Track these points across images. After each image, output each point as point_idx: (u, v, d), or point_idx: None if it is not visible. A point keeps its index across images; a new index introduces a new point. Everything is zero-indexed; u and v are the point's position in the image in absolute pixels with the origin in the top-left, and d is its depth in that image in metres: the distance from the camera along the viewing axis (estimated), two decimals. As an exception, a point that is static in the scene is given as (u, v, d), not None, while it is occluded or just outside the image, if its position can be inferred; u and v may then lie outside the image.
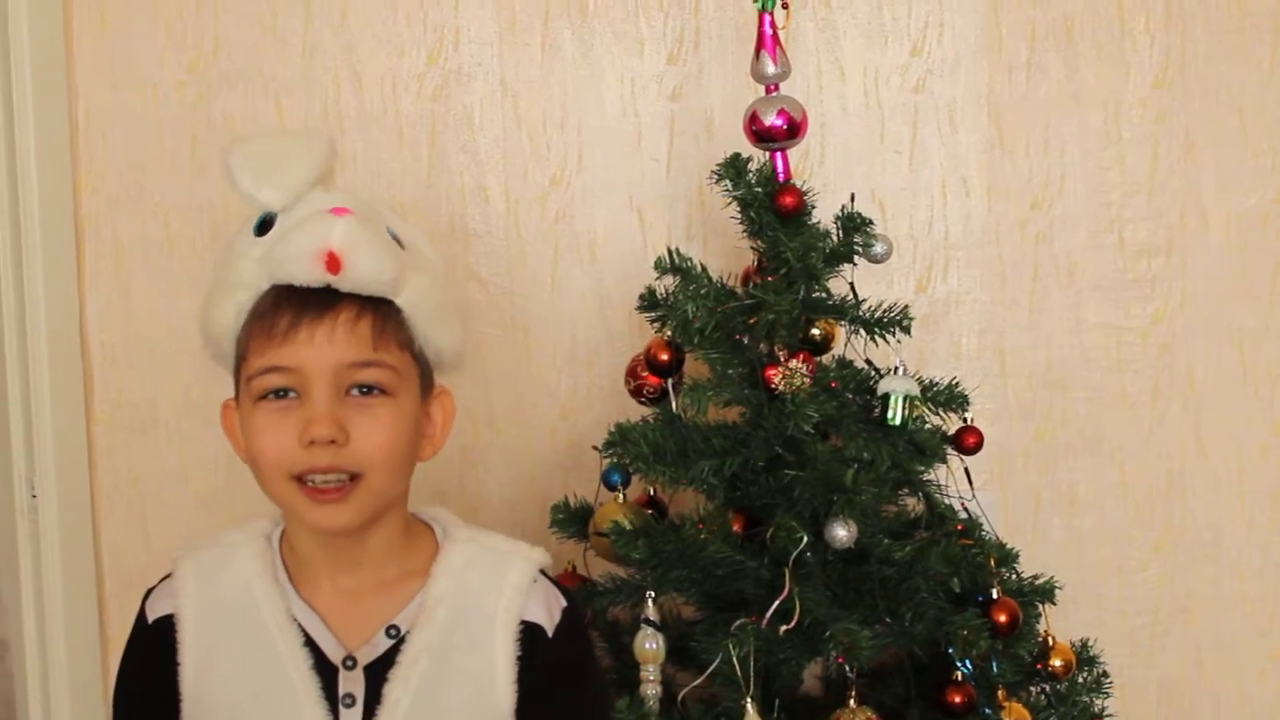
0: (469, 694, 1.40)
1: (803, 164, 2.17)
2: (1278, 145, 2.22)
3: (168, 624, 1.42)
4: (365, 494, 1.34)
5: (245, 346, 1.36)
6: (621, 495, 1.85)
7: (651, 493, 1.93)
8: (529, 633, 1.42)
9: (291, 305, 1.33)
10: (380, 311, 1.35)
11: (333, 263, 1.32)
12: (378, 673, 1.38)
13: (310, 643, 1.39)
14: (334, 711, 1.38)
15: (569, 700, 1.45)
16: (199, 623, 1.42)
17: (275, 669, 1.38)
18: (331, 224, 1.33)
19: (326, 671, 1.39)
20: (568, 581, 1.88)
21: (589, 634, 1.55)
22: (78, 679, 2.14)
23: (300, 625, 1.40)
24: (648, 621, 1.74)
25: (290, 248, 1.33)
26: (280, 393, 1.33)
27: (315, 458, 1.32)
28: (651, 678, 1.75)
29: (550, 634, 1.43)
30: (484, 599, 1.42)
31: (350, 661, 1.39)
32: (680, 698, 1.77)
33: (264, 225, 1.38)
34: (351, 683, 1.38)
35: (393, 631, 1.40)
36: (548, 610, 1.44)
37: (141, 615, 1.46)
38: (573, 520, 1.91)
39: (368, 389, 1.34)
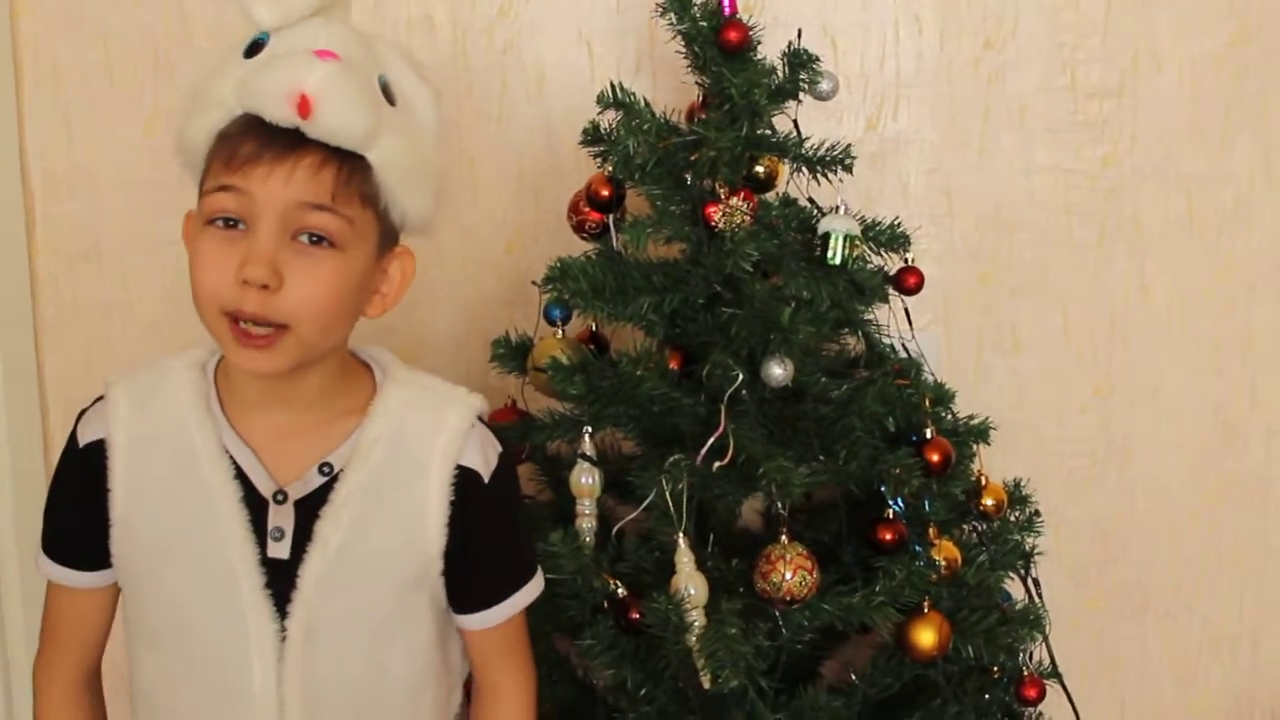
0: (399, 535, 1.42)
1: (754, -2, 2.14)
2: (1233, -12, 2.20)
3: (98, 449, 1.43)
4: (292, 345, 1.33)
5: (208, 165, 1.35)
6: (561, 331, 1.85)
7: (593, 328, 1.94)
8: (464, 477, 1.43)
9: (259, 136, 1.31)
10: (348, 164, 1.33)
11: (303, 106, 1.29)
12: (308, 509, 1.39)
13: (241, 475, 1.40)
14: (262, 545, 1.39)
15: (501, 543, 1.49)
16: (130, 450, 1.43)
17: (204, 499, 1.39)
18: (310, 66, 1.30)
19: (256, 505, 1.39)
20: (507, 416, 1.89)
21: (518, 480, 1.57)
22: (22, 507, 2.15)
23: (232, 457, 1.40)
24: (584, 456, 1.76)
25: (265, 81, 1.31)
26: (229, 221, 1.32)
27: (245, 300, 1.30)
28: (587, 511, 1.76)
29: (486, 480, 1.44)
30: (420, 441, 1.43)
31: (281, 496, 1.40)
32: (615, 531, 1.79)
33: (254, 48, 1.35)
34: (281, 517, 1.39)
35: (325, 469, 1.40)
36: (484, 456, 1.45)
37: (73, 438, 1.47)
38: (513, 355, 1.91)
39: (316, 238, 1.32)
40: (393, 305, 1.44)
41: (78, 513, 1.46)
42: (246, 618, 1.39)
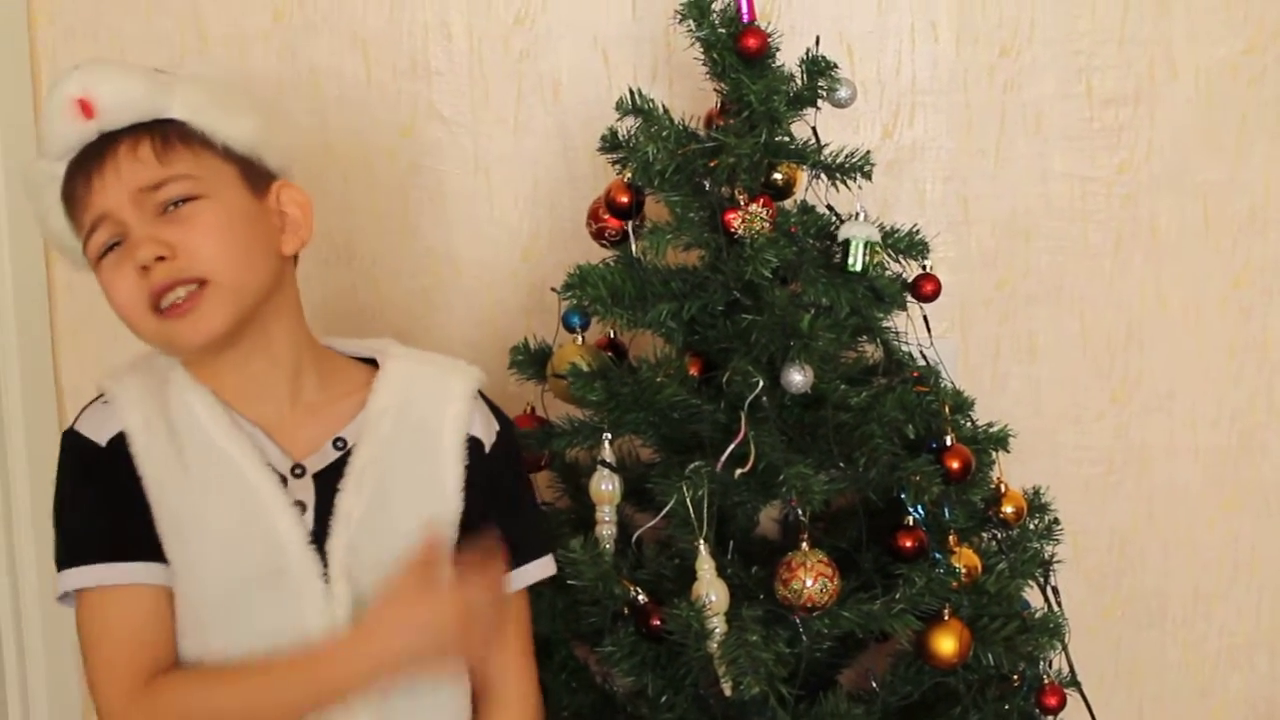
0: (419, 505, 1.44)
1: (770, 5, 2.14)
2: (1250, -4, 2.19)
3: (120, 442, 1.41)
4: (219, 295, 1.36)
5: (71, 221, 1.41)
6: (580, 337, 1.85)
7: (612, 335, 1.93)
8: (472, 446, 1.47)
9: (80, 168, 1.38)
10: (158, 131, 1.38)
11: (85, 108, 1.36)
12: (326, 482, 1.41)
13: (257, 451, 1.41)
14: None
15: (501, 516, 1.50)
16: (149, 437, 1.41)
17: (232, 473, 1.39)
18: (69, 77, 1.38)
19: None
20: (525, 423, 1.88)
21: (520, 454, 1.62)
22: (40, 506, 2.14)
23: (246, 435, 1.42)
24: (603, 463, 1.75)
25: (45, 116, 1.39)
26: (110, 246, 1.37)
27: (154, 280, 1.34)
28: (606, 519, 1.76)
29: (487, 450, 1.49)
30: (429, 410, 1.47)
31: (299, 469, 1.41)
32: (635, 538, 1.78)
33: None
34: (301, 490, 1.41)
35: (340, 443, 1.43)
36: (485, 426, 1.50)
37: (86, 443, 1.43)
38: (532, 362, 1.91)
39: (178, 202, 1.36)
40: (306, 236, 1.46)
41: (121, 506, 1.40)
42: (293, 568, 1.38)
